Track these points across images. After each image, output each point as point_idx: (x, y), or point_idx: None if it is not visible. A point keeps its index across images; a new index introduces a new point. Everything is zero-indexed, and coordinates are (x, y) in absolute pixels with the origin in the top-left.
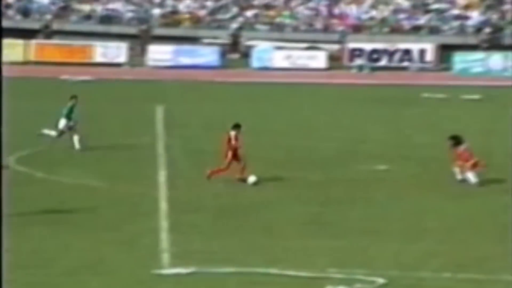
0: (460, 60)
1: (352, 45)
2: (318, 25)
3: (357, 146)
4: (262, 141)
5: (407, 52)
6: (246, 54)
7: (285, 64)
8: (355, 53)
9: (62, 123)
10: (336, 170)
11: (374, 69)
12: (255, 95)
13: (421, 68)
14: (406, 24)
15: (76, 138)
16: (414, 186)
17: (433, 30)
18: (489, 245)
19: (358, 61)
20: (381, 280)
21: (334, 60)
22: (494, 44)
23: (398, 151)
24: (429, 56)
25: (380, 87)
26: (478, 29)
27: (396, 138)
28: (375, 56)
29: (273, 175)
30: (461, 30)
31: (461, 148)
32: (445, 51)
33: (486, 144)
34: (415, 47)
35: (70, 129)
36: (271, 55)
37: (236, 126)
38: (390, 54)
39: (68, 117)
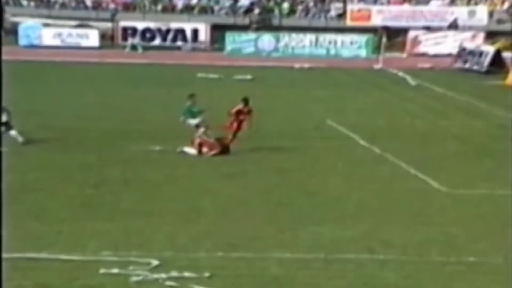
0: (232, 40)
1: (124, 23)
2: (88, 2)
3: (130, 126)
4: (32, 122)
5: (180, 31)
6: (12, 31)
7: (55, 42)
8: (128, 32)
9: (194, 121)
10: (109, 151)
11: (148, 48)
12: (23, 75)
13: (195, 48)
14: (179, 3)
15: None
16: (188, 166)
17: (206, 10)
18: (259, 224)
19: (131, 40)
20: (155, 262)
21: (107, 39)
22: (264, 25)
23: (172, 132)
24: (202, 36)
25: (154, 66)
26: (249, 9)
27: (171, 119)
28: (148, 35)
29: (43, 157)
30: (233, 11)
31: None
32: (218, 31)
33: (257, 123)
34: (188, 26)
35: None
36: (39, 32)
37: (244, 100)
38: (164, 33)
39: (194, 116)
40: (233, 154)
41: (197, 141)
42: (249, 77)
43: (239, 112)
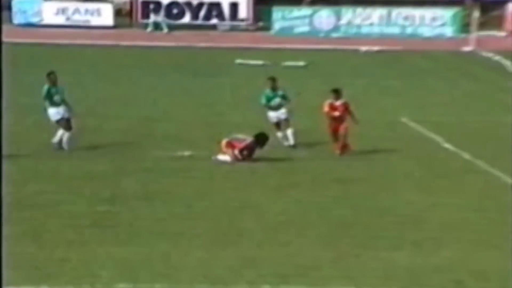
0: (280, 17)
1: None
2: None
3: (153, 126)
4: (30, 121)
5: (215, 6)
6: (4, 7)
7: (58, 20)
8: (150, 7)
9: (274, 116)
10: (126, 157)
11: (174, 27)
12: (18, 61)
13: (233, 27)
14: None
15: (290, 132)
16: (225, 176)
17: None
18: (315, 250)
19: (154, 18)
20: None
21: (123, 15)
22: None
23: (205, 133)
24: (243, 12)
25: (183, 50)
26: None
27: (204, 116)
28: (175, 11)
29: (44, 165)
30: None
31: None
32: (262, 5)
33: (313, 121)
34: (225, 0)
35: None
36: (38, 8)
37: (334, 91)
38: (194, 9)
39: (273, 108)
40: (281, 161)
41: (224, 142)
42: (302, 63)
43: (331, 109)
